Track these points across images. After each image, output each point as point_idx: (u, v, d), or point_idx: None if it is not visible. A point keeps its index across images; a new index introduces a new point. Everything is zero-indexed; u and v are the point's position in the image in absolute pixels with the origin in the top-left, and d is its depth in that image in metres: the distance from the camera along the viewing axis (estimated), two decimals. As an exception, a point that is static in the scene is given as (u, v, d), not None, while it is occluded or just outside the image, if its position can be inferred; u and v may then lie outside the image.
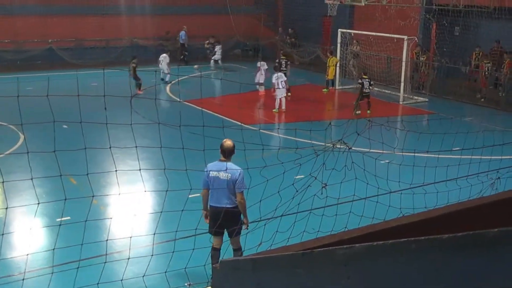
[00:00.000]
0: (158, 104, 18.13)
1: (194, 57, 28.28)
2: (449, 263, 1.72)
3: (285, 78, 19.14)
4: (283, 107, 18.87)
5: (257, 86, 22.02)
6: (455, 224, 2.72)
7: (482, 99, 21.55)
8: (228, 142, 7.55)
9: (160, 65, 23.79)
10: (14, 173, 11.19)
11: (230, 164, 7.48)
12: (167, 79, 23.86)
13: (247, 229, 7.54)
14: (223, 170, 7.46)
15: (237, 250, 7.79)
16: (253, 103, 20.70)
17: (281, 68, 21.81)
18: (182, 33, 28.68)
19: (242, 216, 7.67)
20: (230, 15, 29.66)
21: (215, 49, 27.31)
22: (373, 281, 1.88)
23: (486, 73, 21.96)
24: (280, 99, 18.79)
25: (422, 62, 23.56)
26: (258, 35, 31.38)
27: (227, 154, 7.55)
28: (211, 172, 7.52)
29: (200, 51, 28.92)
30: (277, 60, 22.49)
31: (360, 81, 19.28)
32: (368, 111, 18.65)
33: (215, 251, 7.74)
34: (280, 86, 18.65)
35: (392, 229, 2.81)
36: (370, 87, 19.24)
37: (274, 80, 18.93)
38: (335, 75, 23.31)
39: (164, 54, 24.30)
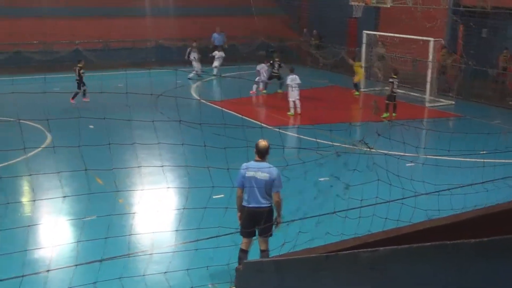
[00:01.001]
0: (183, 105, 18.23)
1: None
2: (475, 268, 1.69)
3: (299, 81, 18.96)
4: (299, 110, 18.73)
5: (255, 86, 22.37)
6: (483, 229, 2.67)
7: (511, 102, 21.20)
8: (263, 143, 7.58)
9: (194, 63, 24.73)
10: (42, 171, 11.36)
11: (266, 164, 7.53)
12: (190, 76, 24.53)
13: (279, 228, 7.53)
14: (260, 170, 7.49)
15: (265, 251, 7.78)
16: (273, 103, 20.68)
17: (273, 71, 22.00)
18: (215, 35, 28.77)
19: (274, 215, 7.68)
20: (254, 16, 29.70)
21: (216, 56, 26.13)
22: (398, 285, 1.86)
23: None
24: (294, 101, 18.67)
25: (449, 64, 23.26)
26: (282, 36, 31.36)
27: (263, 154, 7.59)
28: (247, 172, 7.55)
29: (231, 52, 29.04)
30: (270, 61, 22.62)
31: (390, 80, 19.05)
32: (394, 114, 18.47)
33: (243, 253, 7.72)
34: (294, 89, 18.55)
35: (417, 232, 2.77)
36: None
37: (288, 82, 18.84)
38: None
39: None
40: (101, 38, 27.83)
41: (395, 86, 18.81)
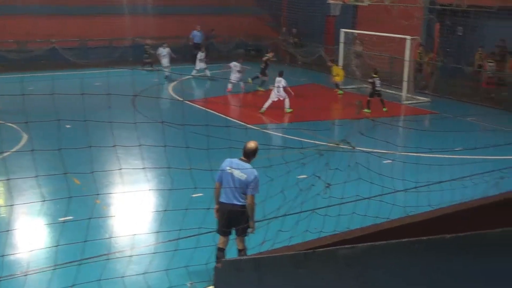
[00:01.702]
0: (160, 104, 18.15)
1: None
2: (452, 263, 1.71)
3: (282, 85, 19.04)
4: (287, 109, 18.82)
5: (230, 84, 22.49)
6: (459, 224, 2.71)
7: (486, 98, 21.58)
8: (250, 144, 7.55)
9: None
10: (17, 172, 11.20)
11: (248, 165, 7.48)
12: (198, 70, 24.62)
13: (253, 233, 7.53)
14: (240, 169, 7.48)
15: (242, 250, 7.78)
16: (255, 103, 20.69)
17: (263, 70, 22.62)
18: (195, 32, 28.75)
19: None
20: (233, 15, 29.69)
21: (199, 57, 25.17)
22: (376, 281, 1.87)
23: (489, 72, 21.94)
24: (284, 100, 18.73)
25: (425, 62, 23.52)
26: (261, 35, 31.39)
27: (248, 155, 7.55)
28: (227, 167, 7.54)
29: (209, 51, 28.97)
30: (241, 61, 23.09)
31: (371, 80, 19.33)
32: (384, 109, 19.00)
33: (220, 252, 7.72)
34: (275, 90, 18.78)
35: (395, 229, 2.80)
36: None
37: (276, 84, 18.94)
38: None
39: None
40: (78, 37, 27.54)
41: (377, 84, 19.14)
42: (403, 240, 1.75)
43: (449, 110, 19.81)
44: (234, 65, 22.77)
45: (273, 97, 18.68)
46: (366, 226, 2.92)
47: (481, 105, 20.93)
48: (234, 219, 7.47)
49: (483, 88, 22.06)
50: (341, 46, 24.05)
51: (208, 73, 24.77)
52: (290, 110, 18.67)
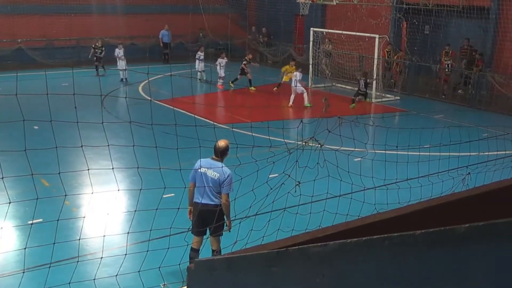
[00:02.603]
0: (131, 104, 17.96)
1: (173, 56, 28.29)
2: (422, 259, 1.74)
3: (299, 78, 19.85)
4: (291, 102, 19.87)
5: (220, 80, 23.09)
6: (428, 220, 2.75)
7: (443, 96, 22.06)
8: (221, 143, 7.56)
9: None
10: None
11: (220, 164, 7.47)
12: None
13: (229, 231, 7.51)
14: (212, 168, 7.47)
15: (216, 251, 7.76)
16: (228, 101, 20.69)
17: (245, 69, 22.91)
18: (163, 32, 28.61)
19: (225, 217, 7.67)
20: (202, 14, 29.58)
21: (198, 56, 24.50)
22: (348, 278, 1.89)
23: (447, 70, 22.41)
24: (303, 94, 19.82)
25: (393, 61, 23.83)
26: (231, 34, 31.36)
27: (219, 154, 7.55)
28: (200, 168, 7.51)
29: (178, 51, 28.87)
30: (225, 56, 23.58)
31: (361, 81, 20.53)
32: (352, 105, 19.96)
33: (194, 252, 7.69)
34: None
35: (366, 226, 2.83)
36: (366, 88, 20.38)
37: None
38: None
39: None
40: (44, 37, 27.10)
41: (362, 85, 20.35)
42: (374, 237, 1.78)
43: (417, 107, 20.13)
44: (220, 61, 23.13)
45: (298, 91, 19.68)
46: (338, 224, 2.95)
47: (448, 102, 21.32)
48: (208, 218, 7.45)
49: (441, 85, 22.58)
50: (311, 45, 24.19)
51: (204, 75, 24.50)
52: (310, 105, 19.13)
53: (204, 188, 7.50)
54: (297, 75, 19.80)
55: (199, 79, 24.23)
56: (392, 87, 23.12)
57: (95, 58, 24.61)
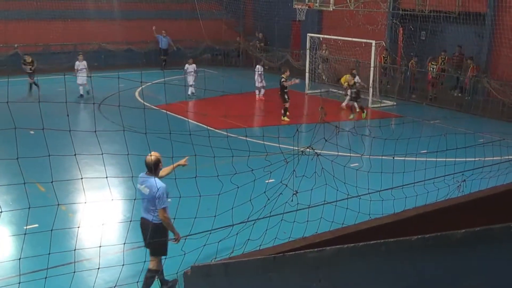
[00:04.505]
0: (128, 109, 17.87)
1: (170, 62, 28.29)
2: (418, 264, 1.75)
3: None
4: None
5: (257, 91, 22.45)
6: (424, 226, 2.77)
7: (429, 100, 22.18)
8: (149, 157, 7.24)
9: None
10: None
11: (152, 179, 7.17)
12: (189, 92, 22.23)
13: (177, 242, 7.30)
14: (145, 183, 7.30)
15: (151, 271, 7.37)
16: (221, 108, 20.69)
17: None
18: (161, 37, 28.52)
19: (170, 232, 7.42)
20: (199, 19, 29.63)
21: (188, 70, 22.79)
22: (344, 283, 1.90)
23: (432, 74, 22.57)
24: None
25: (390, 67, 23.90)
26: (227, 40, 31.43)
27: (150, 168, 7.29)
28: (138, 184, 7.39)
29: (176, 56, 28.81)
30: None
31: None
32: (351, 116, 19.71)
33: (151, 273, 7.37)
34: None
35: (362, 231, 2.84)
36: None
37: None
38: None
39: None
40: (40, 42, 27.09)
41: (353, 93, 19.93)
42: (371, 242, 1.79)
43: (414, 113, 20.18)
44: (257, 68, 22.53)
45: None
46: (335, 229, 2.96)
47: (444, 108, 21.38)
48: (147, 234, 7.23)
49: (428, 89, 22.73)
50: (308, 51, 24.25)
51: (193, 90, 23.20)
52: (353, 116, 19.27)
53: (142, 203, 7.38)
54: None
55: (190, 94, 22.28)
56: (388, 93, 23.16)
57: (28, 67, 21.98)
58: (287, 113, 18.31)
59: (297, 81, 19.63)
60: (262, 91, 22.36)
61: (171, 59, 28.69)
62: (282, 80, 18.56)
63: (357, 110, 19.80)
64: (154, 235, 7.13)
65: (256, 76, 22.33)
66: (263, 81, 22.31)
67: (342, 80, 22.24)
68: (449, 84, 23.62)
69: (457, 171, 7.59)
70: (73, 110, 18.84)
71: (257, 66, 22.76)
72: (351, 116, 19.19)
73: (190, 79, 22.13)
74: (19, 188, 9.77)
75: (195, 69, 22.46)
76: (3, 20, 26.30)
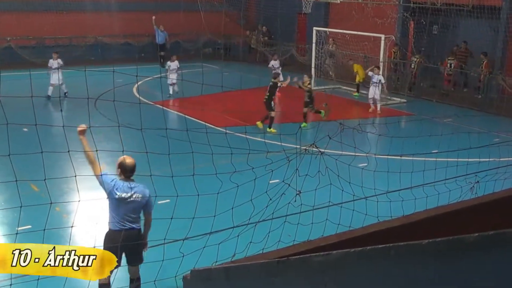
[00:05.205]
0: (124, 105, 17.88)
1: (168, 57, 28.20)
2: (429, 268, 1.75)
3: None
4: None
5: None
6: (435, 229, 2.76)
7: (442, 97, 22.15)
8: (129, 159, 7.11)
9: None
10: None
11: (141, 185, 7.12)
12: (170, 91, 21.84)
13: (146, 250, 7.26)
14: (134, 191, 7.10)
15: (137, 280, 7.31)
16: (220, 104, 20.69)
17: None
18: (158, 31, 28.40)
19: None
20: (200, 12, 29.63)
21: (170, 66, 22.05)
22: (351, 289, 1.90)
23: (449, 70, 22.49)
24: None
25: (400, 62, 23.85)
26: (229, 34, 31.42)
27: (131, 171, 7.14)
28: (121, 192, 7.09)
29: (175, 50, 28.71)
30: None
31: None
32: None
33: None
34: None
35: (370, 235, 2.84)
36: None
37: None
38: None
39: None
40: (34, 35, 27.12)
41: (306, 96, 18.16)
42: (379, 246, 1.78)
43: (425, 111, 20.14)
44: (274, 64, 22.37)
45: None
46: (342, 232, 2.95)
47: (457, 106, 21.32)
48: (133, 247, 7.11)
49: (442, 85, 22.64)
50: (314, 45, 24.22)
51: (176, 88, 22.45)
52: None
53: (127, 212, 7.12)
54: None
55: (169, 94, 21.82)
56: (398, 90, 23.11)
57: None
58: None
59: (293, 79, 18.93)
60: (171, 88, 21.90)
61: (169, 54, 28.65)
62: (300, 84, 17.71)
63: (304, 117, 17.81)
64: (138, 244, 7.09)
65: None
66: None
67: (355, 68, 22.17)
68: (459, 80, 23.58)
69: (470, 172, 7.56)
70: (66, 106, 18.86)
71: (271, 61, 22.60)
72: (303, 125, 17.06)
73: (173, 77, 21.59)
74: (11, 187, 9.80)
75: (178, 66, 22.12)
76: (-3, 12, 26.35)
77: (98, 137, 6.75)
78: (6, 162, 5.61)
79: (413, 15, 23.96)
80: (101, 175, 7.12)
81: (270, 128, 16.84)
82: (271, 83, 17.32)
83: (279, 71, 21.78)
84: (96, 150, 5.74)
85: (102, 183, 7.16)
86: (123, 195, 7.07)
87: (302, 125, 16.62)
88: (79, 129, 6.90)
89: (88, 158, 7.03)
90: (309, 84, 17.92)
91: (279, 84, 17.58)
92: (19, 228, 8.14)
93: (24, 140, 9.42)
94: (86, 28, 28.21)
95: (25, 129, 12.74)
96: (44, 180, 5.08)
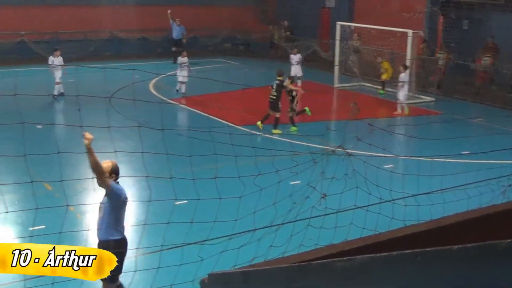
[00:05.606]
0: (141, 103, 17.99)
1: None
2: (458, 275, 1.74)
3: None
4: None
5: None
6: (465, 234, 2.74)
7: (475, 94, 21.90)
8: (113, 162, 7.27)
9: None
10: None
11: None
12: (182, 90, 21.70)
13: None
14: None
15: None
16: (241, 102, 20.72)
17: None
18: (174, 25, 28.25)
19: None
20: (219, 6, 29.71)
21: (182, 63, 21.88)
22: (376, 295, 1.89)
23: (482, 67, 22.27)
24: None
25: (428, 59, 23.64)
26: (249, 29, 31.42)
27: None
28: (127, 196, 7.22)
29: (193, 45, 28.75)
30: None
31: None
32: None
33: None
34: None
35: (397, 239, 2.83)
36: None
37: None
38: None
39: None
40: (48, 29, 27.40)
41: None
42: (406, 251, 1.78)
43: (454, 110, 19.96)
44: (292, 58, 22.36)
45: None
46: (367, 236, 2.94)
47: (488, 105, 21.07)
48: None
49: (476, 83, 22.38)
50: (337, 41, 24.12)
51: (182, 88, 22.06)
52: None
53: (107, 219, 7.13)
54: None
55: (177, 90, 21.65)
56: (426, 88, 22.90)
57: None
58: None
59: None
60: (299, 82, 21.84)
61: (186, 49, 28.67)
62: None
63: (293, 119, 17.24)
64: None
65: (295, 67, 21.95)
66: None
67: (384, 65, 22.04)
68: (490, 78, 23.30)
69: (503, 174, 7.49)
70: (85, 102, 18.99)
71: (292, 55, 22.55)
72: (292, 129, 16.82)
73: (183, 74, 21.36)
74: (25, 186, 9.93)
75: (185, 62, 21.82)
76: (10, 6, 26.64)
77: (114, 136, 6.80)
78: (17, 159, 5.69)
79: (442, 9, 23.73)
80: (112, 183, 7.10)
81: (275, 129, 16.52)
82: (277, 82, 16.81)
83: (299, 67, 21.79)
84: (115, 151, 5.79)
85: (117, 190, 7.13)
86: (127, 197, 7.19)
87: (291, 130, 16.59)
88: (85, 141, 6.80)
89: (98, 170, 6.90)
90: (290, 84, 17.29)
91: (285, 83, 16.92)
92: (32, 228, 8.25)
93: (37, 138, 9.53)
94: (101, 23, 28.41)
95: (39, 126, 12.91)
96: (61, 181, 5.14)
